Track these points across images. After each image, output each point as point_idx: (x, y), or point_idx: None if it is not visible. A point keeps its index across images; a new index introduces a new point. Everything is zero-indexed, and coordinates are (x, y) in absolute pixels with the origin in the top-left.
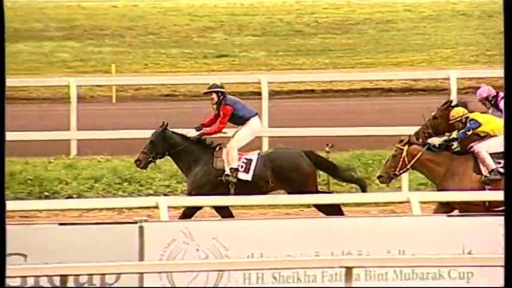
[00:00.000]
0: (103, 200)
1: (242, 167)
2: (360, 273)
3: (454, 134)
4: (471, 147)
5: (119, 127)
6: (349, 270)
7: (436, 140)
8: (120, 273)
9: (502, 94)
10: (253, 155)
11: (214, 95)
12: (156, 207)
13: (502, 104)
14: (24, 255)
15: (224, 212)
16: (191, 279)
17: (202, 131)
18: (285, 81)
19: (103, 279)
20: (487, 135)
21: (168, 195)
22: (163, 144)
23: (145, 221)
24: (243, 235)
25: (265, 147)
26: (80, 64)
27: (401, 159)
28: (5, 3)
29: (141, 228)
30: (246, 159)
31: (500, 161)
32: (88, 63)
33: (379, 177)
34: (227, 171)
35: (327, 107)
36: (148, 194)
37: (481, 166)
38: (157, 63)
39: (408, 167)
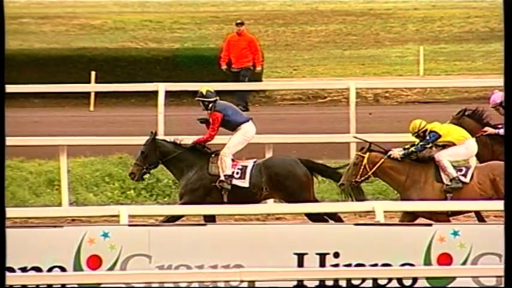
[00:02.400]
0: None
1: (238, 173)
2: None
3: (413, 148)
4: (433, 155)
5: None
6: None
7: (396, 153)
8: None
9: None
10: (249, 163)
11: (201, 104)
12: None
13: None
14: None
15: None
16: None
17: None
18: None
19: None
20: (450, 144)
21: None
22: (155, 153)
23: None
24: None
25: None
26: None
27: (362, 167)
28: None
29: None
30: (242, 165)
31: (462, 168)
32: None
33: (340, 185)
34: (222, 178)
35: None
36: None
37: (442, 174)
38: None
39: (369, 174)
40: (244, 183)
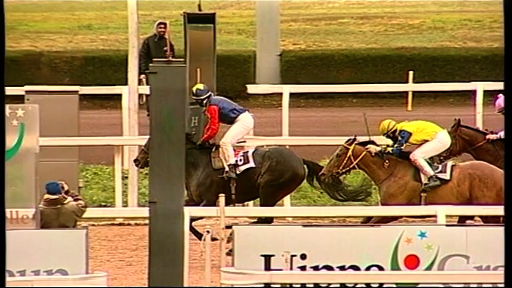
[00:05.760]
0: None
1: (241, 160)
2: None
3: (390, 149)
4: (409, 154)
5: None
6: None
7: (373, 149)
8: None
9: None
10: (250, 149)
11: (196, 102)
12: None
13: None
14: None
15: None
16: None
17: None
18: None
19: None
20: (423, 142)
21: None
22: None
23: None
24: None
25: None
26: None
27: (347, 158)
28: None
29: None
30: (243, 153)
31: (438, 166)
32: None
33: (321, 175)
34: (226, 168)
35: None
36: None
37: (421, 174)
38: None
39: (353, 165)
40: (250, 164)
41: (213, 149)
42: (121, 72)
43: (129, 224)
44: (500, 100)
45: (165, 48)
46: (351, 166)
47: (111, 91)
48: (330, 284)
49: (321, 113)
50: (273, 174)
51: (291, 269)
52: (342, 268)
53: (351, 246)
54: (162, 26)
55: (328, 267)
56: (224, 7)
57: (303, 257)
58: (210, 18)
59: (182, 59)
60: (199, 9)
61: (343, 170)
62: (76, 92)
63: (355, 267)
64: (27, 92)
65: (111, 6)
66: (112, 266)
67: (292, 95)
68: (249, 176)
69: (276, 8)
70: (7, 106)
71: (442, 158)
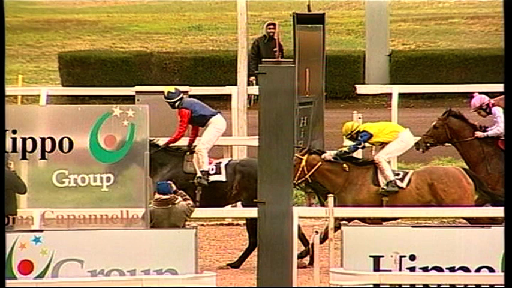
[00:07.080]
0: None
1: (213, 169)
2: None
3: (346, 148)
4: (366, 162)
5: None
6: None
7: (328, 155)
8: None
9: (492, 100)
10: (224, 160)
11: (168, 104)
12: None
13: (495, 109)
14: None
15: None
16: None
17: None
18: None
19: None
20: (387, 142)
21: None
22: None
23: None
24: None
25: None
26: None
27: (300, 169)
28: None
29: None
30: (216, 163)
31: (399, 173)
32: None
33: None
34: (199, 174)
35: None
36: None
37: (380, 177)
38: None
39: (307, 176)
40: (221, 177)
41: (187, 153)
42: (230, 73)
43: (238, 224)
44: (475, 100)
45: (274, 49)
46: (305, 177)
47: (220, 92)
48: (439, 285)
49: (431, 113)
50: (245, 191)
51: (400, 270)
52: (452, 269)
53: (460, 247)
54: (272, 26)
55: (438, 269)
56: (333, 7)
57: (412, 258)
58: (319, 19)
59: (291, 60)
60: (309, 10)
61: (298, 181)
62: (186, 92)
63: (465, 269)
64: (137, 92)
65: (221, 7)
66: (221, 266)
67: (401, 95)
68: (217, 187)
69: (385, 8)
70: (118, 106)
71: (428, 144)
